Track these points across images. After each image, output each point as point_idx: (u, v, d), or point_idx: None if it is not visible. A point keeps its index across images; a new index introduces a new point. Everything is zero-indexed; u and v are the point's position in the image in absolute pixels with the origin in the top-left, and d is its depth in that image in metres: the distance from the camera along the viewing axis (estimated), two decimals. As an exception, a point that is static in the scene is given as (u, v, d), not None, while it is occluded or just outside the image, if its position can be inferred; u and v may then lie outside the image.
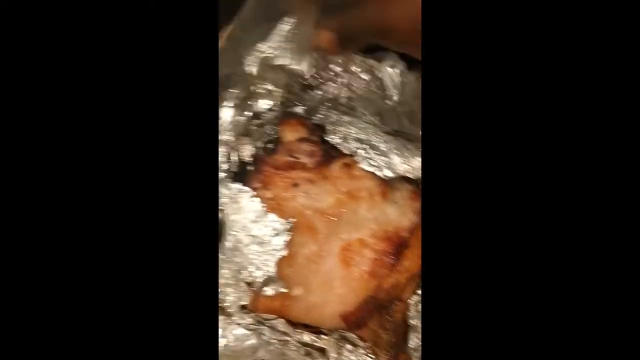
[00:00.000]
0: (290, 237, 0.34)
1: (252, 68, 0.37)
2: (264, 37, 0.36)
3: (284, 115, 0.40)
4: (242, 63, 0.36)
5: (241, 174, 0.37)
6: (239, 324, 0.34)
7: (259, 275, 0.34)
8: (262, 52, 0.36)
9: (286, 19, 0.36)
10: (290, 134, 0.40)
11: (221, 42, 0.35)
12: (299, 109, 0.41)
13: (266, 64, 0.37)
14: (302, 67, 0.37)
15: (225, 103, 0.36)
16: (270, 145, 0.38)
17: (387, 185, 0.36)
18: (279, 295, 0.33)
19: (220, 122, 0.36)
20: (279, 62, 0.37)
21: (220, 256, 0.35)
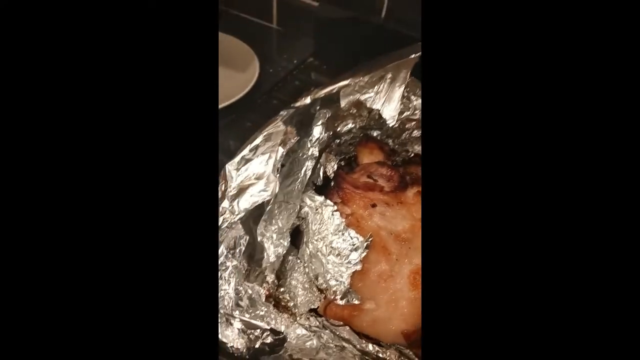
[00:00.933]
0: (365, 254, 0.36)
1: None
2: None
3: (363, 138, 0.43)
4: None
5: (323, 188, 0.39)
6: (302, 325, 0.36)
7: (333, 284, 0.36)
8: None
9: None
10: (367, 157, 0.42)
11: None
12: (376, 132, 0.44)
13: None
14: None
15: (317, 121, 0.39)
16: (349, 165, 0.41)
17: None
18: (350, 305, 0.36)
19: (310, 137, 0.39)
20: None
21: (298, 261, 0.37)
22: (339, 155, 0.43)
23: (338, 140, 0.42)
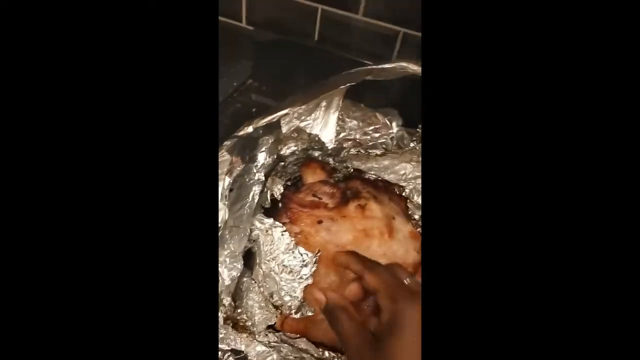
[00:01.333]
0: (315, 268, 0.38)
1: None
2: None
3: (306, 159, 0.46)
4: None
5: (272, 210, 0.41)
6: (260, 342, 0.38)
7: (287, 300, 0.38)
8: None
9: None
10: (311, 176, 0.45)
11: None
12: (317, 153, 0.47)
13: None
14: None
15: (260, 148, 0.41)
16: (294, 185, 0.43)
17: (392, 225, 0.42)
18: (305, 318, 0.38)
19: (255, 163, 0.41)
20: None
21: (253, 282, 0.39)
22: (284, 176, 0.45)
23: (282, 163, 0.45)
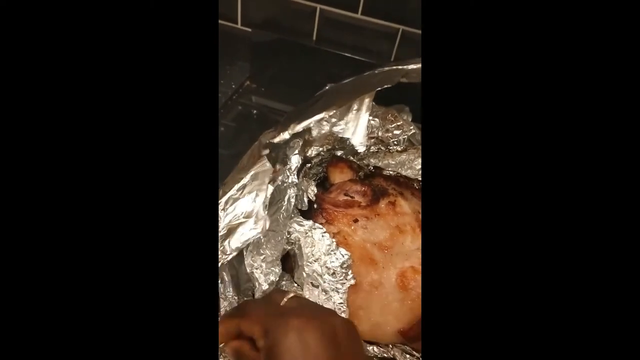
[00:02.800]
0: (356, 268, 0.38)
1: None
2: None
3: (333, 159, 0.45)
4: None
5: (307, 212, 0.40)
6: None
7: (330, 303, 0.37)
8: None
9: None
10: (338, 176, 0.44)
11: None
12: (340, 152, 0.46)
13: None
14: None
15: (293, 151, 0.40)
16: (321, 185, 0.42)
17: (420, 219, 0.42)
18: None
19: (289, 166, 0.40)
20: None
21: (296, 285, 0.38)
22: (311, 178, 0.44)
23: (309, 165, 0.44)
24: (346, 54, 0.66)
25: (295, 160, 0.39)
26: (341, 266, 0.37)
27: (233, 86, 0.71)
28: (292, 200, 0.39)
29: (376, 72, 0.41)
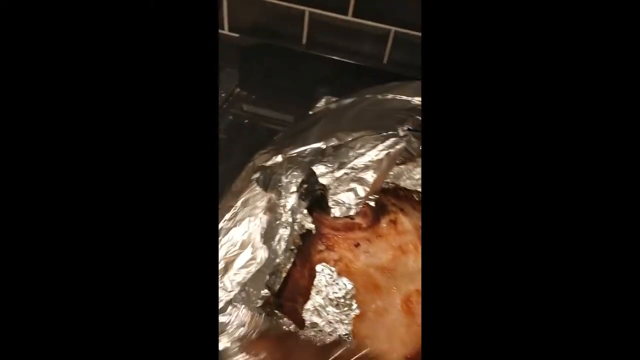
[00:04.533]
0: (360, 297, 0.35)
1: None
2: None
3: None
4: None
5: (306, 237, 0.37)
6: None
7: (334, 336, 0.34)
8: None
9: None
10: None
11: None
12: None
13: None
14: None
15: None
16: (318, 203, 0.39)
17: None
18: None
19: (284, 202, 0.36)
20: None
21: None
22: (306, 197, 0.41)
23: (305, 185, 0.40)
24: (338, 58, 0.62)
25: (292, 200, 0.36)
26: (345, 297, 0.34)
27: (223, 94, 0.67)
28: (289, 228, 0.36)
29: (379, 97, 0.38)
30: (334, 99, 0.45)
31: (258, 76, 0.68)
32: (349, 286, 0.34)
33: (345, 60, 0.62)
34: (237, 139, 0.61)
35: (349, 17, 0.61)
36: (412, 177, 0.46)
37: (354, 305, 0.35)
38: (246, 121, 0.64)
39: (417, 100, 0.36)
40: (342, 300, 0.34)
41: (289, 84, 0.67)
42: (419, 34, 0.59)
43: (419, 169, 0.45)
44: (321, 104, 0.45)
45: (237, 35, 0.66)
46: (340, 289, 0.34)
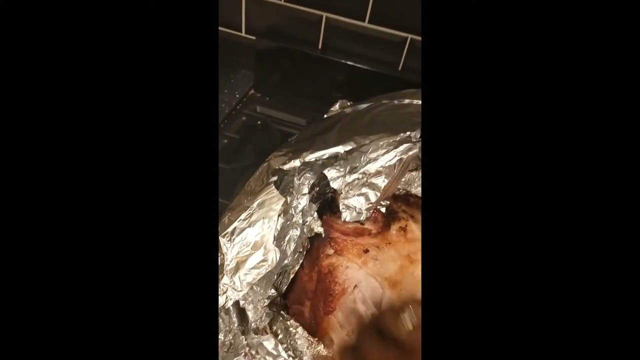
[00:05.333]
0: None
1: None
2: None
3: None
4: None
5: (315, 239, 0.36)
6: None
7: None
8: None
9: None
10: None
11: None
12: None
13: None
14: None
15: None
16: (328, 205, 0.38)
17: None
18: None
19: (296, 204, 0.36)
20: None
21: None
22: (317, 200, 0.41)
23: (317, 188, 0.40)
24: (353, 63, 0.62)
25: (304, 202, 0.35)
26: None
27: (237, 95, 0.67)
28: (298, 231, 0.35)
29: (396, 102, 0.37)
30: (348, 103, 0.44)
31: (273, 79, 0.68)
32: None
33: (361, 66, 0.62)
34: (249, 140, 0.61)
35: (366, 24, 0.60)
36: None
37: None
38: (259, 122, 0.64)
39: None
40: None
41: (303, 88, 0.67)
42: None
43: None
44: (336, 107, 0.44)
45: (253, 37, 0.66)
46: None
